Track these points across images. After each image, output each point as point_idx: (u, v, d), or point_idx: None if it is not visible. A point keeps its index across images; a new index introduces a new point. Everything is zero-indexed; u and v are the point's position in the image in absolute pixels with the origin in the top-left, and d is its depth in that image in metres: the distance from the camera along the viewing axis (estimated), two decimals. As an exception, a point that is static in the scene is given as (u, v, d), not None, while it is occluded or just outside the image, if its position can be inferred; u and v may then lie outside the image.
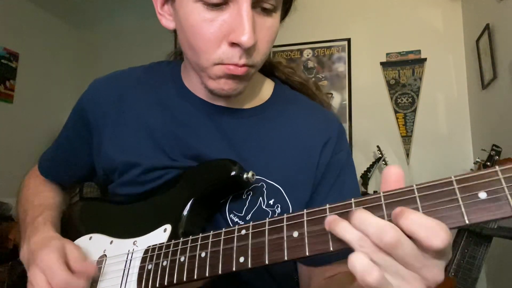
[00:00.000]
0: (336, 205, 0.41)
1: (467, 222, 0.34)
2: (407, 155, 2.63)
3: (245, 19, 0.52)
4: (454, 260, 1.67)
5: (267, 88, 0.72)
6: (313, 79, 0.81)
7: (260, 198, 0.61)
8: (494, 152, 1.79)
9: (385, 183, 0.39)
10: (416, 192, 0.38)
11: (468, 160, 2.44)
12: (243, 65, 0.55)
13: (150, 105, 0.68)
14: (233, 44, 0.54)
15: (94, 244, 0.63)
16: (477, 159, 1.87)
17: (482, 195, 0.34)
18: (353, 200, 0.40)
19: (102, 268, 0.59)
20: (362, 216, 0.36)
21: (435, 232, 0.33)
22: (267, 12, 0.56)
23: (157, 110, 0.67)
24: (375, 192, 2.48)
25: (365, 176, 2.49)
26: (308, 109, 0.70)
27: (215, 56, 0.55)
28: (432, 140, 2.60)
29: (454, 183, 0.36)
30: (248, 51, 0.54)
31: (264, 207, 0.61)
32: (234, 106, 0.67)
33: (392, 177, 0.39)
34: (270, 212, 0.61)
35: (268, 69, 0.76)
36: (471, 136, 2.51)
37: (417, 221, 0.34)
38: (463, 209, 0.34)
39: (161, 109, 0.67)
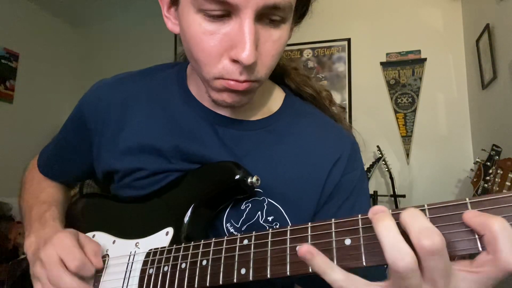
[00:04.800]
0: (342, 220, 0.40)
1: (480, 249, 0.32)
2: (407, 155, 2.63)
3: (247, 36, 0.48)
4: (454, 260, 1.67)
5: (277, 99, 0.69)
6: (325, 88, 0.76)
7: (259, 212, 0.59)
8: (494, 152, 1.79)
9: None
10: (427, 213, 0.35)
11: (468, 160, 2.44)
12: (245, 81, 0.53)
13: (154, 111, 0.66)
14: (234, 60, 0.51)
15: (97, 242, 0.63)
16: (477, 159, 1.87)
17: None
18: (360, 216, 0.39)
19: (105, 268, 0.59)
20: (413, 212, 0.34)
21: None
22: (274, 24, 0.52)
23: (161, 117, 0.66)
24: (375, 192, 2.48)
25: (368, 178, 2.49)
26: (319, 125, 0.66)
27: (216, 71, 0.52)
28: (432, 140, 2.60)
29: (468, 205, 0.34)
30: (249, 67, 0.51)
31: (261, 222, 0.59)
32: (240, 117, 0.64)
33: None
34: (267, 228, 0.59)
35: (280, 74, 0.72)
36: (471, 136, 2.51)
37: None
38: (477, 235, 0.32)
39: (165, 115, 0.65)
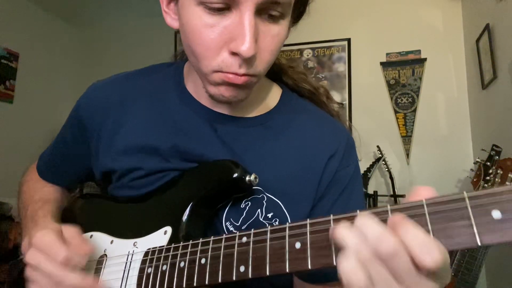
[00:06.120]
0: (340, 216, 0.40)
1: (479, 243, 0.32)
2: (407, 155, 2.63)
3: (247, 28, 0.49)
4: (454, 260, 1.67)
5: (274, 95, 0.69)
6: (322, 84, 0.77)
7: (259, 210, 0.59)
8: (494, 152, 1.79)
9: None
10: (425, 207, 0.35)
11: (468, 160, 2.44)
12: (243, 75, 0.53)
13: (151, 111, 0.66)
14: (233, 53, 0.51)
15: (95, 242, 0.63)
16: (477, 159, 1.87)
17: (496, 214, 0.32)
18: (358, 212, 0.39)
19: (103, 268, 0.59)
20: (364, 219, 0.36)
21: (429, 249, 0.32)
22: (273, 19, 0.52)
23: (158, 116, 0.65)
24: (375, 192, 2.48)
25: (365, 176, 2.49)
26: (315, 120, 0.67)
27: (215, 64, 0.53)
28: (432, 140, 2.60)
29: (467, 199, 0.34)
30: (248, 60, 0.52)
31: (261, 219, 0.59)
32: (238, 114, 0.65)
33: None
34: (267, 225, 0.59)
35: (277, 72, 0.72)
36: (471, 136, 2.51)
37: (414, 233, 0.33)
38: (475, 229, 0.32)
39: (163, 115, 0.66)
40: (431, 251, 0.32)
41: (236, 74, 0.53)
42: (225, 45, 0.52)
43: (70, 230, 0.56)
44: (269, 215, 0.59)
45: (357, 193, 0.66)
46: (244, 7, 0.49)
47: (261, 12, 0.51)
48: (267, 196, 0.60)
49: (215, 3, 0.49)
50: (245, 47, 0.49)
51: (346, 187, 0.64)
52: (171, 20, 0.59)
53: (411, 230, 0.33)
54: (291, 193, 0.61)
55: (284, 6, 0.52)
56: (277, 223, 0.59)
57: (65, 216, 0.74)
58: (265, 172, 0.60)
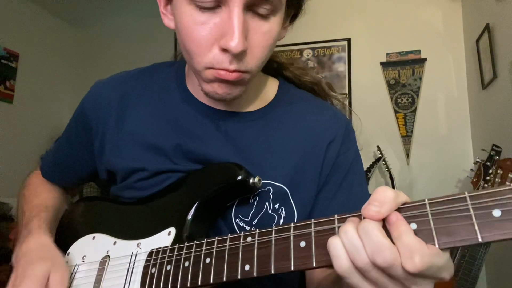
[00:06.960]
0: (345, 216, 0.40)
1: (480, 240, 0.33)
2: (407, 155, 2.63)
3: (235, 24, 0.50)
4: (454, 261, 1.68)
5: (271, 88, 0.71)
6: (322, 79, 0.80)
7: (266, 203, 0.60)
8: (494, 152, 1.79)
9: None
10: (428, 207, 0.37)
11: (468, 160, 2.44)
12: (234, 71, 0.54)
13: (154, 110, 0.67)
14: (224, 49, 0.52)
15: (97, 244, 0.63)
16: (477, 159, 1.87)
17: (497, 213, 0.33)
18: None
19: (105, 269, 0.59)
20: (367, 226, 0.36)
21: (411, 255, 0.34)
22: (263, 16, 0.54)
23: (161, 116, 0.66)
24: (375, 192, 2.48)
25: (365, 176, 2.49)
26: (313, 108, 0.69)
27: (206, 60, 0.54)
28: (432, 140, 2.60)
29: (468, 199, 0.35)
30: (239, 56, 0.53)
31: (270, 212, 0.60)
32: (238, 110, 0.66)
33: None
34: (276, 216, 0.60)
35: (276, 69, 0.74)
36: (471, 136, 2.51)
37: (403, 240, 0.35)
38: (476, 227, 0.34)
39: (165, 114, 0.66)
40: (412, 256, 0.34)
41: (227, 70, 0.54)
42: (215, 41, 0.53)
43: (57, 280, 0.56)
44: (276, 206, 0.61)
45: (360, 178, 0.68)
46: (232, 4, 0.50)
47: (251, 8, 0.52)
48: (273, 186, 0.61)
49: (205, 1, 0.51)
50: (234, 42, 0.50)
51: (348, 172, 0.65)
52: (168, 21, 0.61)
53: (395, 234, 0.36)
54: (297, 180, 0.62)
55: (274, 3, 0.53)
56: (284, 212, 0.61)
57: (68, 218, 0.74)
58: (271, 162, 0.61)
